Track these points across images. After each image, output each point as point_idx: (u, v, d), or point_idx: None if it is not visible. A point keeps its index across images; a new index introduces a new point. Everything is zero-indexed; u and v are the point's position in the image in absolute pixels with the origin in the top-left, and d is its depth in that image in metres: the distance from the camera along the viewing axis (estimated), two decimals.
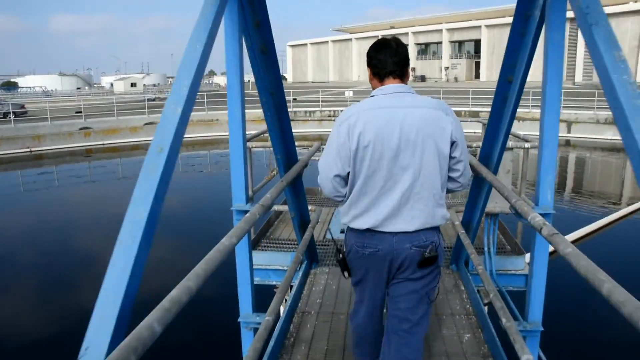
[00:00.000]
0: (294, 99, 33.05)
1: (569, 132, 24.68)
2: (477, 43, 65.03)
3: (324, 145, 2.33)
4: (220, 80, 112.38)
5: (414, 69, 70.54)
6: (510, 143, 4.08)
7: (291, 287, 4.06)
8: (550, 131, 2.40)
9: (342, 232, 5.42)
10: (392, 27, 76.70)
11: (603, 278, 1.18)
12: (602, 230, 10.41)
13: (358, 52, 75.91)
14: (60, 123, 24.63)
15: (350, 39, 77.89)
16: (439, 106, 2.17)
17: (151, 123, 26.01)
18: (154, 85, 70.45)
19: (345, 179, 2.23)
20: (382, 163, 2.12)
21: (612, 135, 23.22)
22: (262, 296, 3.63)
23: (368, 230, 2.21)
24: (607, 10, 53.27)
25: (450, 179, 2.24)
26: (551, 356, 4.50)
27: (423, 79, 67.94)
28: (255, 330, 2.79)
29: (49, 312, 7.99)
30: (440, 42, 68.88)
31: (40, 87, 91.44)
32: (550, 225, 1.73)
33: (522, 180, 4.63)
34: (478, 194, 3.51)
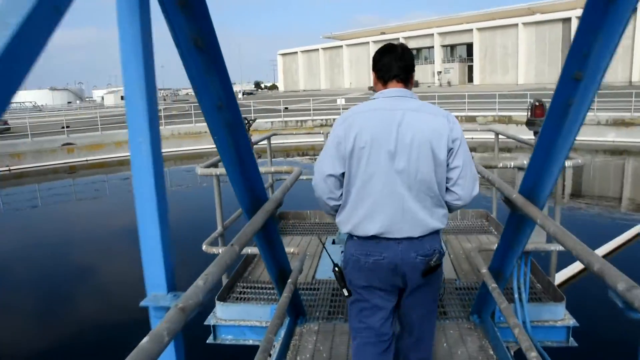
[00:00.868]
0: (285, 108, 32.13)
1: None
2: (469, 46, 64.37)
3: (305, 174, 1.94)
4: None
5: None
6: None
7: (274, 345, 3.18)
8: None
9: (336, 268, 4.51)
10: (383, 33, 75.95)
11: None
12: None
13: (349, 59, 75.12)
14: (42, 139, 23.59)
15: (341, 46, 77.05)
16: (439, 112, 2.16)
17: None
18: None
19: (339, 180, 2.20)
20: (379, 166, 2.10)
21: (614, 137, 22.44)
22: None
23: (373, 237, 2.17)
24: (558, 15, 53.02)
25: (446, 190, 2.18)
26: None
27: (416, 84, 66.08)
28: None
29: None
30: (432, 47, 68.15)
31: (30, 102, 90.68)
32: None
33: (556, 205, 3.72)
34: (517, 234, 2.60)
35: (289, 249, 3.43)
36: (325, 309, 3.87)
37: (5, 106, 0.78)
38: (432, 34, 67.14)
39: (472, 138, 18.53)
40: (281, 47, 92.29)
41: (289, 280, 3.01)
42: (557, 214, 3.71)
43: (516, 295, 3.43)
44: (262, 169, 3.57)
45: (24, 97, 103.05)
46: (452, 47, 67.80)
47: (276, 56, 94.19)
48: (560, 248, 3.04)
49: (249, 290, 4.22)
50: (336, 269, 2.33)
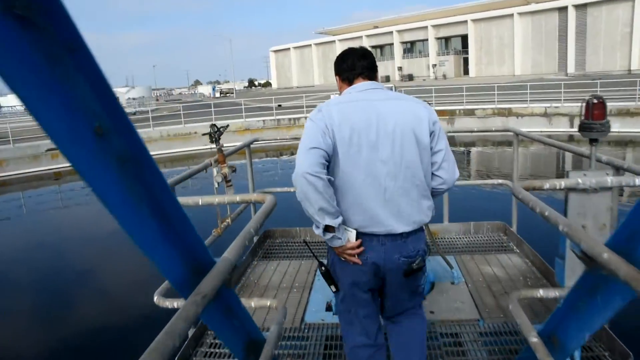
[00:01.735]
0: (279, 105, 31.18)
1: (571, 126, 23.00)
2: (464, 38, 63.40)
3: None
4: (205, 89, 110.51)
5: (400, 69, 68.88)
6: (609, 179, 2.30)
7: None
8: None
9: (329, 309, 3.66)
10: (376, 27, 74.92)
11: None
12: None
13: None
14: (25, 145, 22.65)
15: (334, 41, 75.93)
16: (415, 99, 2.19)
17: None
18: (133, 98, 68.90)
19: (325, 158, 2.00)
20: (360, 156, 2.04)
21: (619, 127, 21.63)
22: None
23: (356, 232, 2.11)
24: (553, 4, 52.38)
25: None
26: None
27: (411, 77, 66.11)
28: None
29: None
30: (426, 40, 67.11)
31: (22, 105, 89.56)
32: None
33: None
34: (598, 304, 1.73)
35: (264, 302, 2.57)
36: None
37: None
38: (426, 27, 66.15)
39: (472, 132, 17.62)
40: (276, 44, 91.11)
41: (263, 353, 2.16)
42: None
43: None
44: (217, 199, 2.72)
45: (16, 101, 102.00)
46: (447, 39, 66.84)
47: (269, 53, 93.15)
48: None
49: (216, 353, 3.36)
50: (323, 268, 2.29)
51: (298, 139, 2.28)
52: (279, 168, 20.31)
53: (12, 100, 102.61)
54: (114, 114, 1.06)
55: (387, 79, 63.06)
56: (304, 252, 4.98)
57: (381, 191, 2.06)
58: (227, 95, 78.09)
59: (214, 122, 3.91)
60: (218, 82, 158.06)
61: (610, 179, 2.31)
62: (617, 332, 2.97)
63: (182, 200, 2.58)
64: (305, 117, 27.13)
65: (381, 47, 72.73)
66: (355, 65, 2.21)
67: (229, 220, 4.16)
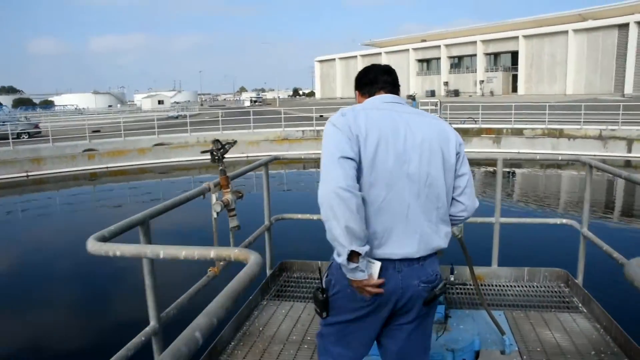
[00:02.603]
0: (320, 116, 30.54)
1: (629, 151, 21.42)
2: (514, 55, 61.45)
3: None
4: (247, 96, 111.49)
5: (446, 84, 67.37)
6: None
7: None
8: None
9: None
10: (424, 40, 73.63)
11: None
12: None
13: None
14: (63, 145, 22.73)
15: (380, 53, 75.05)
16: (437, 117, 2.11)
17: (161, 144, 23.90)
18: (177, 102, 69.91)
19: (356, 169, 1.80)
20: (385, 168, 1.85)
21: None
22: None
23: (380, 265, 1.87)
24: (613, 21, 49.88)
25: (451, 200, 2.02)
26: None
27: (457, 93, 64.53)
28: None
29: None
30: (475, 55, 65.43)
31: (72, 105, 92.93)
32: None
33: None
34: None
35: None
36: None
37: None
38: (475, 42, 64.59)
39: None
40: (322, 54, 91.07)
41: None
42: None
43: None
44: (184, 253, 2.01)
45: (67, 100, 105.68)
46: (496, 55, 65.08)
47: (314, 63, 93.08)
48: None
49: None
50: (321, 295, 2.00)
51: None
52: (305, 181, 19.54)
53: (65, 100, 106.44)
54: None
55: (432, 93, 61.75)
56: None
57: (404, 207, 1.88)
58: (256, 103, 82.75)
59: (217, 138, 3.14)
60: (263, 90, 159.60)
61: None
62: None
63: (127, 249, 1.87)
64: None
65: (428, 61, 71.37)
66: (378, 79, 2.11)
67: (219, 266, 3.42)
